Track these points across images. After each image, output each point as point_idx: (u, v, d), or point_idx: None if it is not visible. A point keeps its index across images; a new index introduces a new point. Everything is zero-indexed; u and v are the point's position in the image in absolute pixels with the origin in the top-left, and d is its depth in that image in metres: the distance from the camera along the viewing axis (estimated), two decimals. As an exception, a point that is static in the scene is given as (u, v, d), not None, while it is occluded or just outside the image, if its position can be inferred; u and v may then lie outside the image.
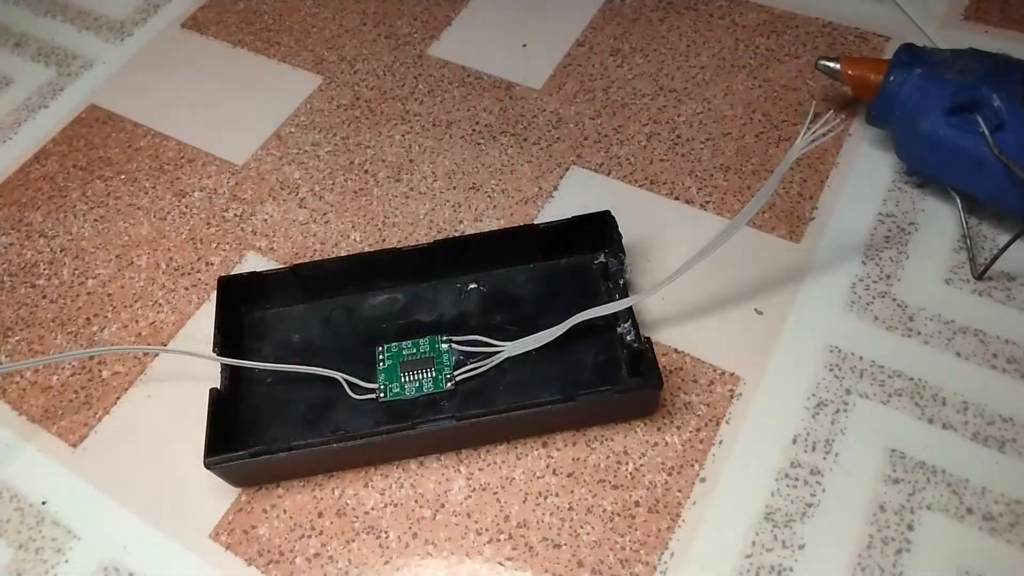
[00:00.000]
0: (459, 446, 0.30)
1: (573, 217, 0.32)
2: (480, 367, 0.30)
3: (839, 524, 0.27)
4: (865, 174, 0.36)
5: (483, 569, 0.27)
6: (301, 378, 0.31)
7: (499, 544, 0.28)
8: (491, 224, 0.36)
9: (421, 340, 0.31)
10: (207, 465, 0.27)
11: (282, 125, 0.41)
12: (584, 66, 0.42)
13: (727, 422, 0.30)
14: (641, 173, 0.37)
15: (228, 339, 0.31)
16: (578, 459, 0.29)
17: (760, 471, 0.28)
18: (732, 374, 0.31)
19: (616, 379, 0.30)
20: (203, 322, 0.34)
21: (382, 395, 0.30)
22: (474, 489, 0.29)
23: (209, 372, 0.31)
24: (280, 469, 0.29)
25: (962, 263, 0.33)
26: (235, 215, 0.38)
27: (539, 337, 0.30)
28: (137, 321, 0.35)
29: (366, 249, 0.36)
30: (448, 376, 0.30)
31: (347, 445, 0.27)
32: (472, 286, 0.33)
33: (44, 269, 0.37)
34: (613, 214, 0.32)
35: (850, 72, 0.35)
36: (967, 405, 0.29)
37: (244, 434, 0.30)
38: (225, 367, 0.30)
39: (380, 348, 0.31)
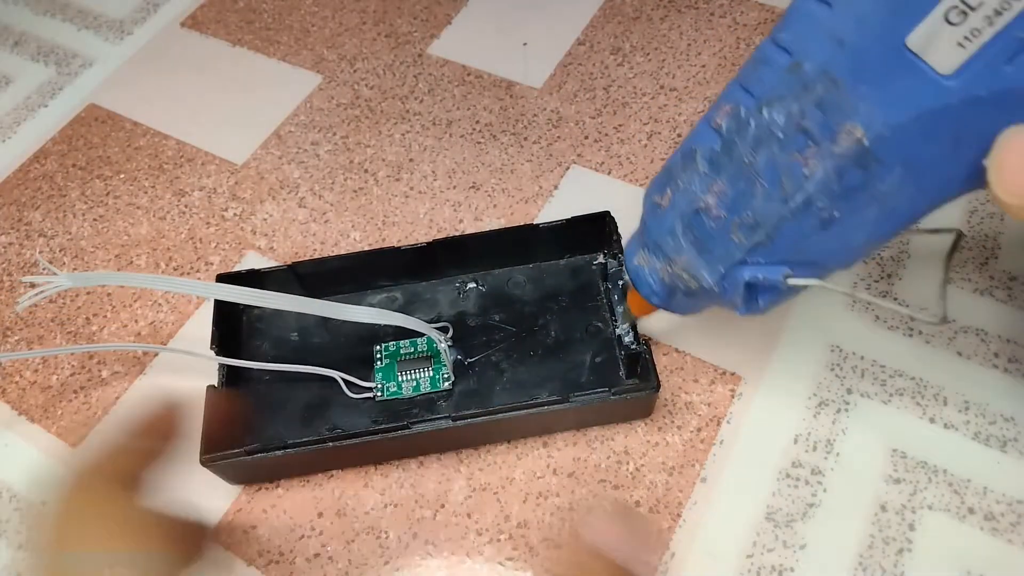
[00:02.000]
0: (458, 446, 0.30)
1: (572, 217, 0.32)
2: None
3: (840, 524, 0.27)
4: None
5: (483, 569, 0.27)
6: (298, 377, 0.31)
7: (499, 544, 0.28)
8: (491, 223, 0.36)
9: (419, 339, 0.31)
10: (203, 462, 0.27)
11: (282, 124, 0.41)
12: (584, 65, 0.42)
13: (728, 422, 0.30)
14: (642, 172, 0.37)
15: (226, 337, 0.31)
16: (579, 459, 0.29)
17: (761, 471, 0.28)
18: (733, 374, 0.31)
19: (614, 380, 0.30)
20: (202, 322, 0.34)
21: (379, 394, 0.30)
22: (474, 489, 0.29)
23: (208, 371, 0.30)
24: (276, 467, 0.29)
25: (964, 262, 0.33)
26: (235, 214, 0.38)
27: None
28: (136, 321, 0.35)
29: (366, 248, 0.36)
30: (446, 375, 0.30)
31: (342, 444, 0.27)
32: (471, 285, 0.33)
33: (44, 269, 0.37)
34: (613, 215, 0.32)
35: None
36: (968, 405, 0.29)
37: (241, 432, 0.30)
38: (223, 366, 0.30)
39: (377, 347, 0.31)
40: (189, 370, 0.33)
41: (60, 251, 0.37)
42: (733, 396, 0.30)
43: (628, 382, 0.29)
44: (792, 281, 0.22)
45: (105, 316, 0.35)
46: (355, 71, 0.43)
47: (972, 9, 0.15)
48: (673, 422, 0.30)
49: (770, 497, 0.28)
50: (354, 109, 0.41)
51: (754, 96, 0.20)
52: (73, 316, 0.35)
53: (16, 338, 0.35)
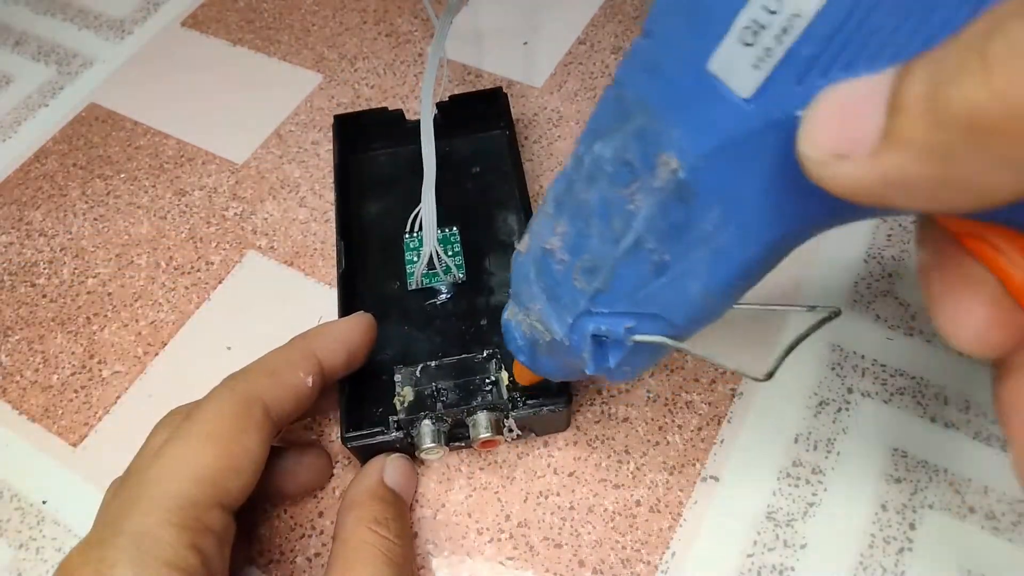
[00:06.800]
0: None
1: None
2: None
3: (841, 523, 0.27)
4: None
5: (484, 569, 0.27)
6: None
7: (500, 544, 0.28)
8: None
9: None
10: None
11: (282, 123, 0.41)
12: (585, 64, 0.42)
13: (728, 421, 0.30)
14: (642, 171, 0.37)
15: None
16: (579, 458, 0.29)
17: (762, 470, 0.28)
18: (734, 373, 0.31)
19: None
20: (204, 321, 0.34)
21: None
22: (475, 488, 0.29)
23: (208, 372, 0.30)
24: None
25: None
26: (235, 214, 0.38)
27: None
28: (137, 320, 0.35)
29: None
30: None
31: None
32: None
33: (44, 268, 0.37)
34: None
35: None
36: (969, 404, 0.29)
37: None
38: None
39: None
40: (191, 369, 0.33)
41: (61, 251, 0.37)
42: (733, 395, 0.30)
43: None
44: (637, 337, 0.21)
45: (106, 316, 0.35)
46: (355, 70, 0.43)
47: (763, 28, 0.14)
48: (674, 421, 0.30)
49: (771, 496, 0.28)
50: (355, 108, 0.41)
51: (591, 130, 0.19)
52: (74, 316, 0.35)
53: (16, 338, 0.35)
